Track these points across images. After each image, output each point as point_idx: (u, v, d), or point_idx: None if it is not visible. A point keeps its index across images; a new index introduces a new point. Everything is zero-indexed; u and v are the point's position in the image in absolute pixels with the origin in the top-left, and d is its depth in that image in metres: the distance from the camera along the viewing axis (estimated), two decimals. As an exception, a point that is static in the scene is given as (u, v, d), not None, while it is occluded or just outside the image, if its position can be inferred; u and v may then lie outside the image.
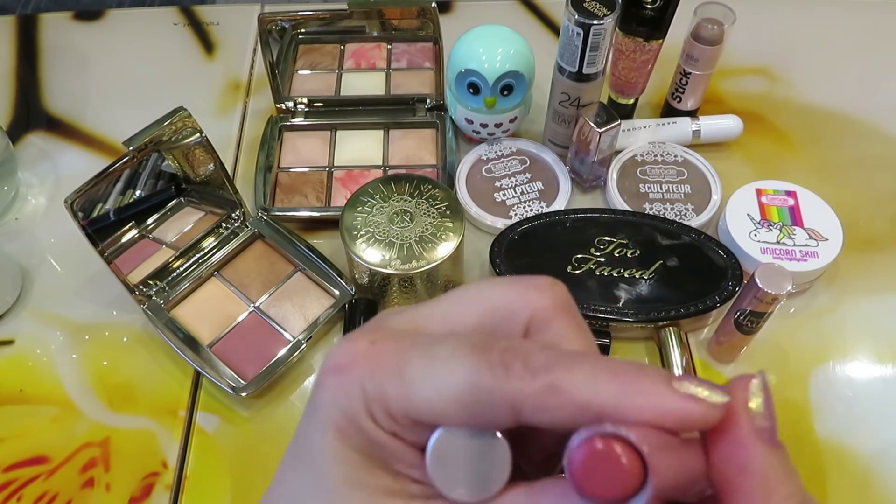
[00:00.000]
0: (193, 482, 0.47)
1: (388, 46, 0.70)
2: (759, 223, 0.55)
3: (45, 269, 0.57)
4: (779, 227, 0.54)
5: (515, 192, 0.59)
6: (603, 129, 0.55)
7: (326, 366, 0.20)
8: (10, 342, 0.53)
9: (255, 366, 0.49)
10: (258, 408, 0.50)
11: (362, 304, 0.52)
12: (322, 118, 0.65)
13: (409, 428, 0.19)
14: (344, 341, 0.20)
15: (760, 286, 0.43)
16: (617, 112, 0.56)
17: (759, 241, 0.53)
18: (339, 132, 0.65)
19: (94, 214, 0.48)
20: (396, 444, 0.19)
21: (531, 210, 0.58)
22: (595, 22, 0.51)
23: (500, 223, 0.57)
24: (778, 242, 0.53)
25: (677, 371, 0.48)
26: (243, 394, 0.48)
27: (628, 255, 0.53)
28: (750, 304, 0.45)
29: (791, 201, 0.56)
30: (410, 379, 0.18)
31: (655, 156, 0.61)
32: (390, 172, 0.61)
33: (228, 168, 0.54)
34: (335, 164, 0.62)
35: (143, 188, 0.51)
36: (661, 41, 0.58)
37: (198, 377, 0.51)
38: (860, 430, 0.48)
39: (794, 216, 0.55)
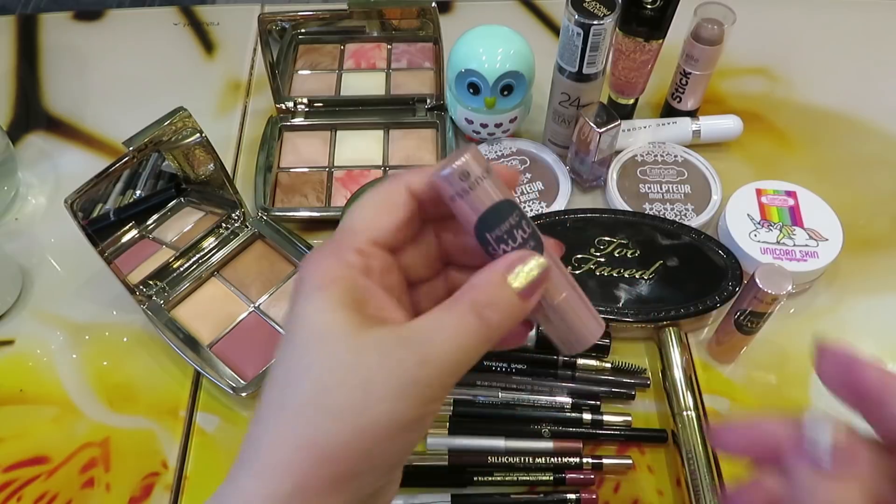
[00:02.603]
0: (193, 482, 0.47)
1: (388, 46, 0.70)
2: (759, 223, 0.55)
3: (45, 269, 0.57)
4: (779, 227, 0.54)
5: (515, 192, 0.59)
6: (603, 130, 0.55)
7: (303, 280, 0.25)
8: (10, 342, 0.53)
9: (255, 366, 0.49)
10: (258, 408, 0.50)
11: (362, 304, 0.52)
12: (322, 118, 0.65)
13: (373, 255, 0.25)
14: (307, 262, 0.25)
15: (760, 286, 0.43)
16: (617, 112, 0.56)
17: (759, 242, 0.53)
18: (339, 132, 0.65)
19: (94, 214, 0.48)
20: (367, 284, 0.25)
21: (531, 210, 0.58)
22: (595, 22, 0.51)
23: (500, 223, 0.57)
24: (778, 242, 0.53)
25: (678, 372, 0.48)
26: (243, 394, 0.48)
27: (628, 255, 0.53)
28: (750, 304, 0.45)
29: (791, 201, 0.56)
30: (359, 217, 0.26)
31: (655, 156, 0.61)
32: (390, 173, 0.61)
33: (228, 168, 0.54)
34: (335, 165, 0.62)
35: (143, 188, 0.51)
36: (661, 41, 0.58)
37: (198, 377, 0.51)
38: (860, 430, 0.48)
39: (794, 216, 0.55)
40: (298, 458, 0.22)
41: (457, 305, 0.24)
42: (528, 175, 0.61)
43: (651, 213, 0.57)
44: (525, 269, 0.24)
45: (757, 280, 0.44)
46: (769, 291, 0.43)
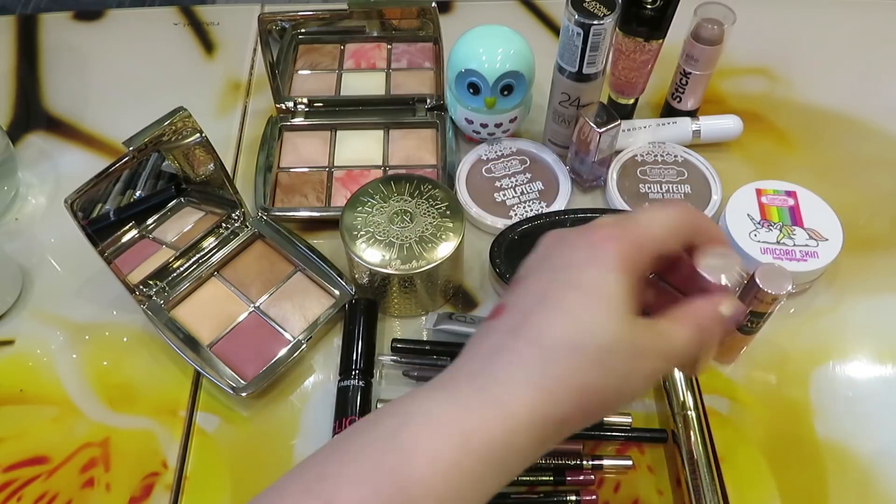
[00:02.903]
0: (193, 482, 0.47)
1: (388, 46, 0.70)
2: (759, 223, 0.55)
3: (45, 269, 0.57)
4: (779, 227, 0.54)
5: (515, 192, 0.59)
6: (603, 129, 0.55)
7: (593, 235, 0.30)
8: (10, 342, 0.53)
9: (255, 366, 0.49)
10: (258, 408, 0.50)
11: (362, 304, 0.52)
12: (322, 118, 0.65)
13: (649, 264, 0.30)
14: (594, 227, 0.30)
15: (760, 286, 0.43)
16: (617, 112, 0.56)
17: (759, 242, 0.53)
18: (339, 132, 0.65)
19: (94, 214, 0.48)
20: (639, 283, 0.29)
21: (531, 210, 0.58)
22: (595, 22, 0.51)
23: (500, 223, 0.57)
24: (778, 242, 0.53)
25: (678, 372, 0.48)
26: (243, 394, 0.48)
27: (628, 255, 0.53)
28: (750, 304, 0.45)
29: (791, 201, 0.56)
30: (662, 228, 0.30)
31: (655, 156, 0.61)
32: (390, 172, 0.61)
33: (228, 168, 0.54)
34: (335, 164, 0.62)
35: (143, 188, 0.51)
36: (661, 41, 0.58)
37: (198, 377, 0.51)
38: (860, 430, 0.48)
39: (794, 216, 0.55)
40: (572, 398, 0.27)
41: (686, 321, 0.30)
42: (529, 175, 0.61)
43: (651, 213, 0.57)
44: (734, 307, 0.31)
45: (757, 280, 0.44)
46: (769, 291, 0.43)
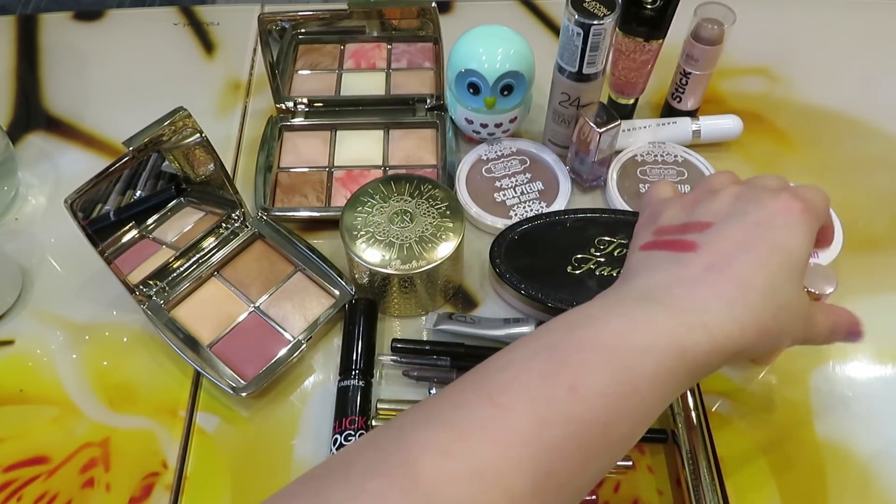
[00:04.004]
0: (193, 482, 0.47)
1: (388, 46, 0.70)
2: (759, 223, 0.55)
3: (45, 269, 0.57)
4: (779, 227, 0.54)
5: (515, 192, 0.59)
6: (603, 129, 0.55)
7: (788, 201, 0.34)
8: (10, 342, 0.53)
9: (255, 366, 0.49)
10: (258, 408, 0.50)
11: (362, 304, 0.52)
12: (322, 118, 0.65)
13: None
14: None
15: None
16: (617, 112, 0.56)
17: (759, 241, 0.53)
18: (339, 132, 0.65)
19: (94, 214, 0.48)
20: None
21: (531, 210, 0.58)
22: (595, 22, 0.51)
23: (500, 223, 0.57)
24: (778, 242, 0.53)
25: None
26: (243, 394, 0.48)
27: (628, 255, 0.53)
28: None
29: (791, 201, 0.56)
30: (822, 206, 0.36)
31: (655, 156, 0.61)
32: (390, 172, 0.61)
33: (228, 168, 0.54)
34: (335, 164, 0.62)
35: (143, 188, 0.51)
36: (661, 41, 0.58)
37: (198, 377, 0.51)
38: (860, 430, 0.48)
39: (794, 216, 0.55)
40: (756, 336, 0.31)
41: (830, 318, 0.37)
42: (529, 175, 0.61)
43: (651, 213, 0.57)
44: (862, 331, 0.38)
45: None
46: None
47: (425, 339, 0.53)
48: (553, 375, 0.28)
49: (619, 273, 0.52)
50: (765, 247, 0.32)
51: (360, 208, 0.51)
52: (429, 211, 0.51)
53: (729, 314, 0.31)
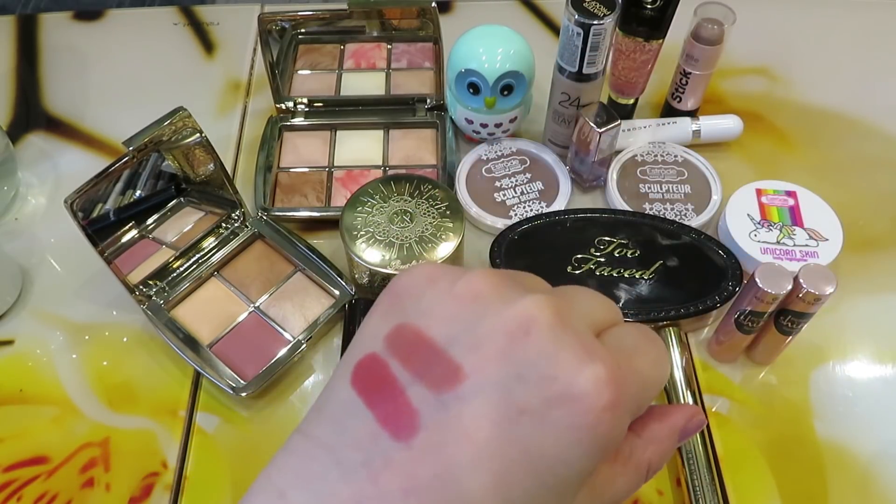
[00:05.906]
0: (193, 482, 0.47)
1: (388, 46, 0.70)
2: (759, 223, 0.55)
3: (45, 269, 0.57)
4: (779, 227, 0.54)
5: (515, 192, 0.59)
6: (603, 129, 0.55)
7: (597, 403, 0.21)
8: (10, 342, 0.53)
9: (255, 366, 0.49)
10: (258, 408, 0.50)
11: (362, 304, 0.52)
12: (322, 118, 0.65)
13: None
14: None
15: (760, 286, 0.43)
16: (617, 112, 0.56)
17: (759, 242, 0.53)
18: (339, 132, 0.65)
19: (94, 214, 0.48)
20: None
21: (531, 210, 0.58)
22: (595, 22, 0.51)
23: (500, 223, 0.57)
24: (778, 242, 0.53)
25: (678, 372, 0.48)
26: (243, 394, 0.48)
27: (628, 255, 0.53)
28: (750, 303, 0.45)
29: (791, 201, 0.56)
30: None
31: (655, 156, 0.61)
32: (390, 172, 0.61)
33: (228, 168, 0.54)
34: (335, 164, 0.62)
35: (143, 188, 0.51)
36: (661, 41, 0.58)
37: (198, 377, 0.51)
38: (860, 430, 0.48)
39: (794, 216, 0.55)
40: None
41: (635, 462, 0.25)
42: (529, 175, 0.61)
43: (651, 213, 0.57)
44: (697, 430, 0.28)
45: (757, 280, 0.44)
46: (769, 291, 0.43)
47: (425, 339, 0.53)
48: None
49: (618, 273, 0.52)
50: (518, 459, 0.21)
51: (360, 208, 0.51)
52: (429, 211, 0.51)
53: None
